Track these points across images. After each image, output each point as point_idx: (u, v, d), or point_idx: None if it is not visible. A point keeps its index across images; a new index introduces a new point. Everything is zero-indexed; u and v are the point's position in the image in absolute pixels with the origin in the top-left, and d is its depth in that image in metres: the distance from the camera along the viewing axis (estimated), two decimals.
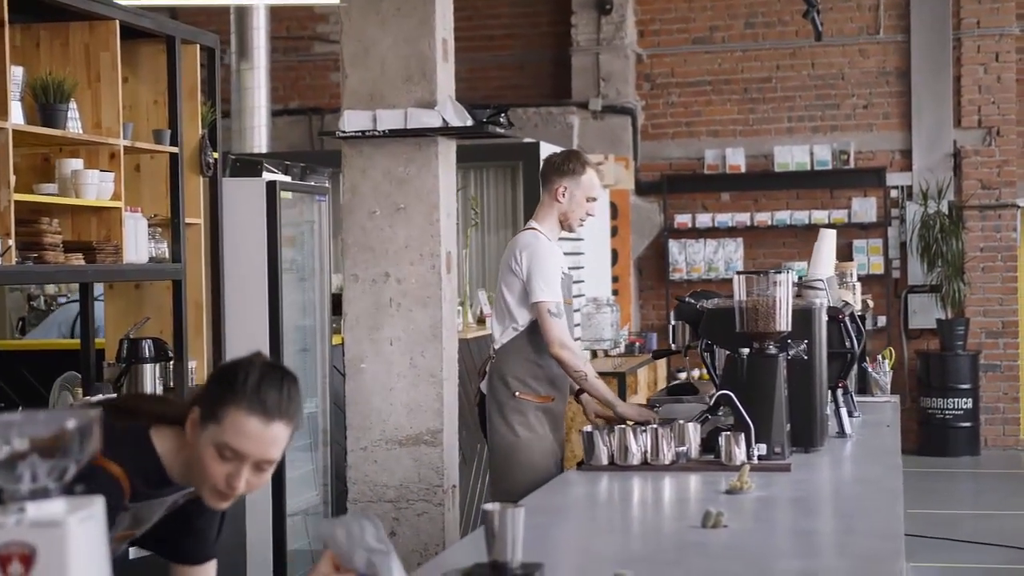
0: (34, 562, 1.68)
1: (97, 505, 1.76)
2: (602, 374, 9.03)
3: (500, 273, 5.32)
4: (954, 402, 12.29)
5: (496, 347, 5.30)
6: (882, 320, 12.62)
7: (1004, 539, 8.74)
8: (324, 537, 2.52)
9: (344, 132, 5.69)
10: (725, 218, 12.93)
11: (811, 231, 12.66)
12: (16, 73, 4.65)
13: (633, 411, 5.09)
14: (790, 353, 4.46)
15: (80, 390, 5.44)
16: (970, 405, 12.31)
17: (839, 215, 12.67)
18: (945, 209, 12.42)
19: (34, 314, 8.76)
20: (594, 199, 5.34)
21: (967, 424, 12.33)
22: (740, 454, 4.18)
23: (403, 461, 5.65)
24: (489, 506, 2.73)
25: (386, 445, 5.65)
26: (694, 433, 4.34)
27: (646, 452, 4.25)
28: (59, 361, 6.00)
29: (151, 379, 5.40)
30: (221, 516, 2.93)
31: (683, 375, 11.52)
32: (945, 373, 12.33)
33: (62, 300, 8.56)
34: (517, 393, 5.20)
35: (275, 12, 12.52)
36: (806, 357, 4.51)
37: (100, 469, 2.57)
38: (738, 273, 4.45)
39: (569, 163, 5.32)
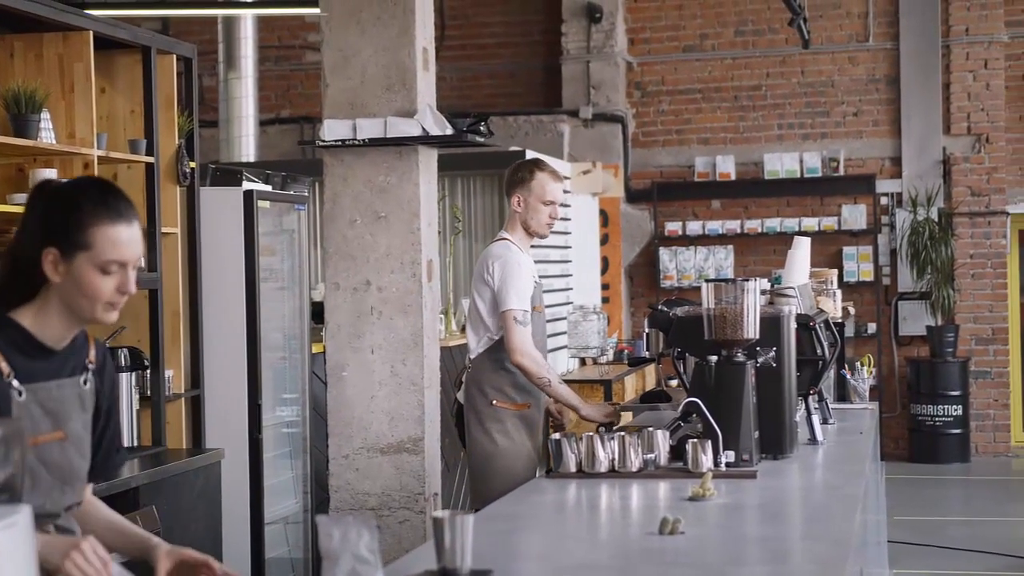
0: None
1: (23, 514, 1.77)
2: (589, 382, 9.13)
3: (473, 284, 5.40)
4: (944, 409, 12.30)
5: (472, 356, 5.37)
6: (872, 327, 12.63)
7: (993, 546, 8.75)
8: (320, 530, 2.55)
9: (324, 141, 5.72)
10: (715, 226, 12.95)
11: None
12: None
13: (596, 412, 5.20)
14: (758, 360, 4.47)
15: None
16: (960, 412, 12.32)
17: (829, 222, 12.69)
18: (935, 216, 12.43)
19: None
20: (551, 202, 5.37)
21: (957, 431, 12.34)
22: (707, 461, 4.19)
23: (385, 469, 5.66)
24: (438, 514, 2.76)
25: (368, 453, 5.67)
26: (663, 440, 4.34)
27: (613, 459, 4.26)
28: None
29: (127, 388, 5.41)
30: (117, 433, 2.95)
31: (674, 383, 11.52)
32: (935, 380, 12.34)
33: None
34: (494, 401, 5.26)
35: (266, 22, 12.55)
36: (775, 364, 4.52)
37: None
38: (706, 281, 4.46)
39: (518, 172, 5.40)
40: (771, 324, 4.54)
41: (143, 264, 5.59)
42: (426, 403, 5.75)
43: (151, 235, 5.62)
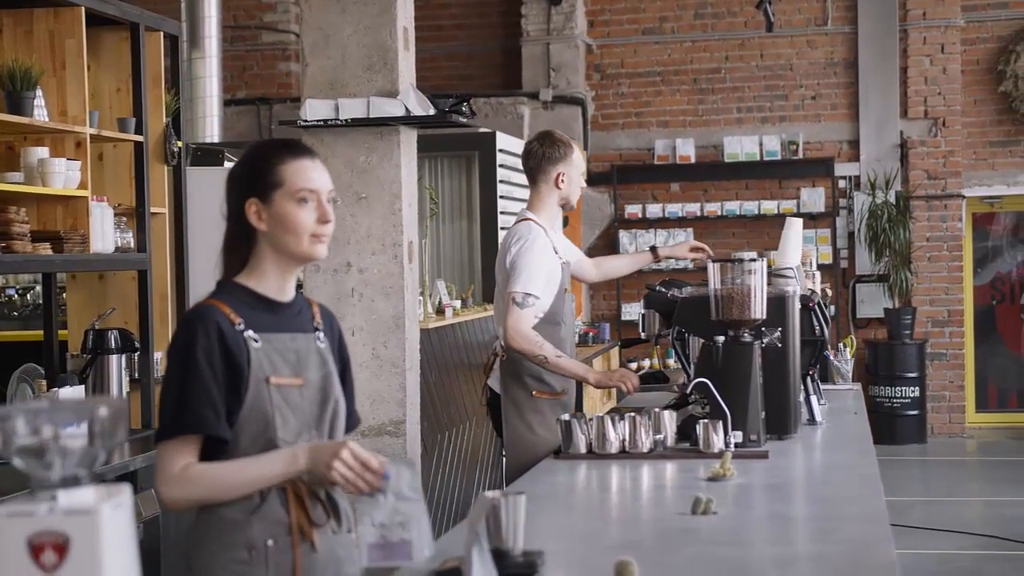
0: (68, 551, 1.66)
1: (126, 494, 1.74)
2: None
3: (497, 269, 5.21)
4: (901, 390, 12.42)
5: (504, 345, 5.12)
6: (831, 309, 12.71)
7: (952, 525, 8.86)
8: None
9: (306, 121, 5.65)
10: (675, 208, 12.99)
11: (760, 221, 12.76)
12: None
13: (605, 377, 5.15)
14: (764, 341, 4.48)
15: (44, 382, 5.36)
16: (917, 393, 12.45)
17: (788, 205, 12.76)
18: (892, 199, 12.53)
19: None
20: (583, 174, 5.32)
21: (914, 412, 12.46)
22: (719, 442, 4.19)
23: None
24: (491, 493, 2.73)
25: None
26: (670, 421, 4.34)
27: (624, 441, 4.25)
28: (22, 352, 5.92)
29: (117, 370, 5.33)
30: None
31: (634, 364, 11.56)
32: (892, 362, 12.45)
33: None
34: (535, 392, 5.10)
35: (223, 1, 12.40)
36: (780, 344, 4.53)
37: (191, 309, 2.85)
38: (713, 261, 4.46)
39: (558, 148, 5.22)
40: (776, 304, 4.55)
41: (132, 245, 5.51)
42: (407, 385, 5.72)
43: (139, 216, 5.54)
